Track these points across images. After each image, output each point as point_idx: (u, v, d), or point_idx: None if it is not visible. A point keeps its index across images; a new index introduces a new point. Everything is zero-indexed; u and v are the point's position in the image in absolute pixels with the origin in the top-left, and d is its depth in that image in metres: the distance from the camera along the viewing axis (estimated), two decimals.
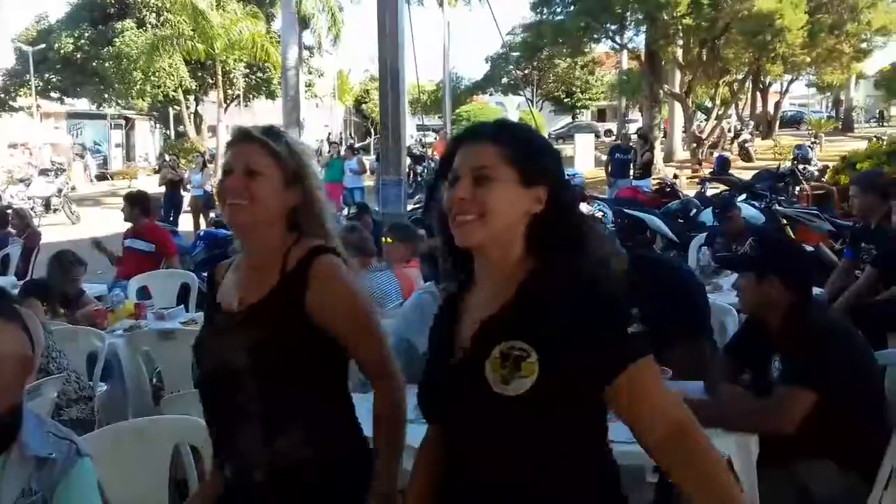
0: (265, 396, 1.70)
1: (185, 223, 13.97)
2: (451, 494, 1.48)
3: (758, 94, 32.78)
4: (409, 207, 10.48)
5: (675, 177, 11.04)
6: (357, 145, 23.97)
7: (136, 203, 6.46)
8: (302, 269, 1.71)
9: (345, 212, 9.71)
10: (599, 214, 10.49)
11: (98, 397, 3.81)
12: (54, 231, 15.99)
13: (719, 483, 1.30)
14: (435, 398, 1.48)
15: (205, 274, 6.91)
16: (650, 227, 8.12)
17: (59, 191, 19.18)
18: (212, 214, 13.60)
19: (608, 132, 13.85)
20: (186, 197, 14.57)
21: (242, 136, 1.78)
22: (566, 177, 1.50)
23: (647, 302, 2.90)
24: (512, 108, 31.39)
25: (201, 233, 7.73)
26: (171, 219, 13.19)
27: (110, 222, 13.57)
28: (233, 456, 1.78)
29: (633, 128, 23.13)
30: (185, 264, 7.11)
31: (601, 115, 43.79)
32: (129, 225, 6.46)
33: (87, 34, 26.97)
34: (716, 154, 18.15)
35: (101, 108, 31.45)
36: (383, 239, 4.69)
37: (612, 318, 1.32)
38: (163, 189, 14.45)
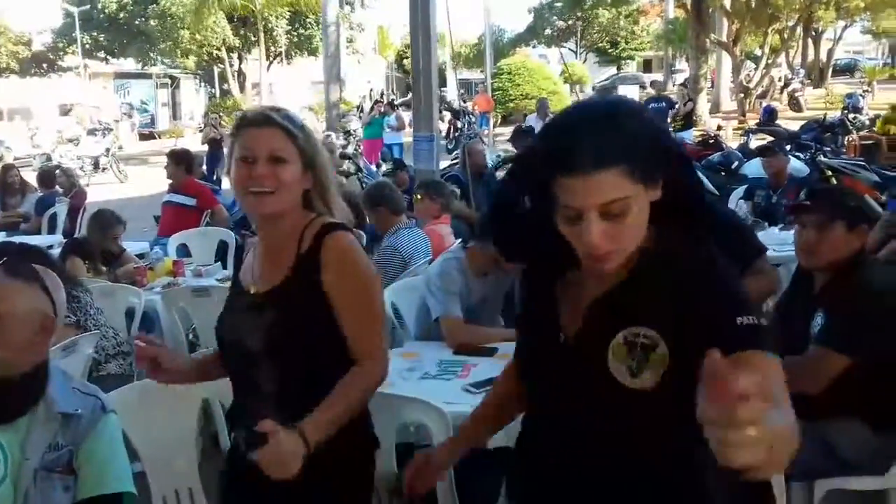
0: (280, 378, 1.71)
1: (227, 181, 14.16)
2: (538, 468, 1.41)
3: (809, 41, 31.65)
4: (447, 163, 10.46)
5: (719, 128, 10.75)
6: (398, 101, 23.88)
7: (180, 161, 6.55)
8: (316, 248, 1.72)
9: (382, 168, 9.69)
10: None
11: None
12: (103, 190, 16.33)
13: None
14: (540, 382, 1.40)
15: (244, 231, 7.08)
16: None
17: (107, 150, 19.50)
18: None
19: (654, 83, 13.56)
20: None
21: (263, 120, 1.73)
22: (678, 154, 1.29)
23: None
24: (555, 60, 30.85)
25: None
26: (214, 177, 13.33)
27: (157, 181, 13.80)
28: (246, 429, 1.74)
29: (679, 78, 22.60)
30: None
31: (647, 66, 42.75)
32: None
33: None
34: (764, 104, 17.66)
35: (146, 68, 31.78)
36: (414, 195, 4.68)
37: (730, 308, 1.18)
38: (206, 147, 14.60)
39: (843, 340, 2.29)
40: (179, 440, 2.35)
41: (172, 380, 1.92)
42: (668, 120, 12.25)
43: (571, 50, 37.50)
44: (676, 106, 12.67)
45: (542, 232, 1.29)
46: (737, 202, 5.96)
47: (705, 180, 7.92)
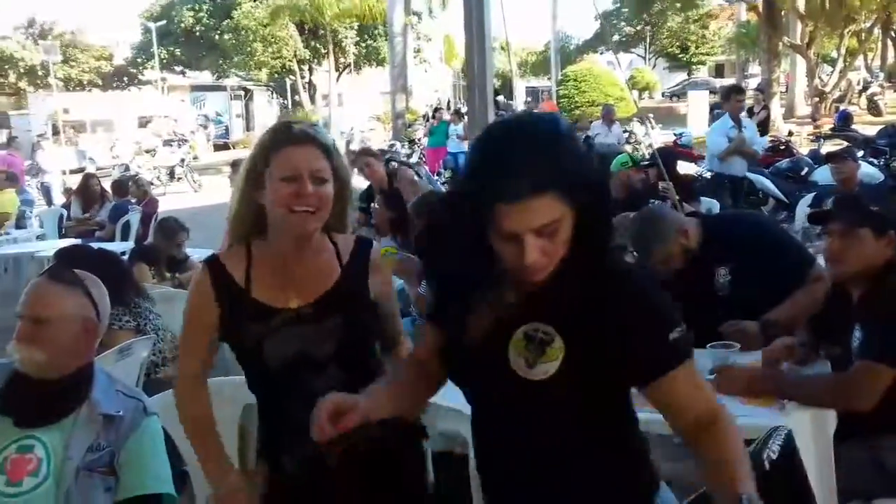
0: (346, 380, 1.71)
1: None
2: (486, 461, 1.49)
3: (889, 42, 30.46)
4: None
5: (791, 134, 10.40)
6: (464, 110, 23.95)
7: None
8: (360, 259, 1.83)
9: (442, 177, 9.73)
10: (708, 174, 10.10)
11: None
12: (177, 199, 16.86)
13: (734, 468, 1.26)
14: (460, 376, 1.49)
15: None
16: (757, 186, 7.74)
17: (182, 160, 20.14)
18: None
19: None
20: None
21: (304, 138, 1.73)
22: (600, 176, 1.40)
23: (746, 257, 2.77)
24: (623, 66, 30.48)
25: None
26: None
27: (229, 190, 14.18)
28: (300, 446, 1.67)
29: (753, 83, 22.02)
30: None
31: (719, 71, 41.85)
32: None
33: (206, 7, 28.02)
34: (841, 108, 17.06)
35: (221, 80, 32.73)
36: None
37: (660, 325, 1.30)
38: None
39: (884, 351, 2.20)
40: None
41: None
42: None
43: (640, 56, 37.00)
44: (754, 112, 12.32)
45: (470, 251, 1.35)
46: (804, 210, 5.76)
47: (773, 187, 7.69)
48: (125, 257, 6.11)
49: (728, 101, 7.43)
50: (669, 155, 6.07)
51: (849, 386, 2.23)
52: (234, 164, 6.89)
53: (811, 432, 2.21)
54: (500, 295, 1.38)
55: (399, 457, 1.79)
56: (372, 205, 5.47)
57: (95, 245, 7.18)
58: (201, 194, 18.77)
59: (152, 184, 17.53)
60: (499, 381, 1.35)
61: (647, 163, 5.65)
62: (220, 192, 16.81)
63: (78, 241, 7.87)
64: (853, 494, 2.30)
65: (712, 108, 12.34)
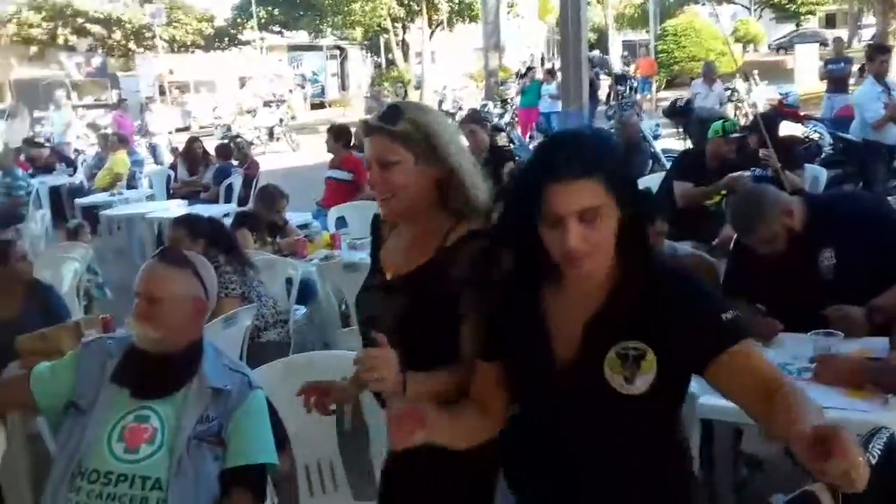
0: (406, 361, 1.73)
1: None
2: (548, 483, 1.53)
3: None
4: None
5: None
6: (558, 65, 23.50)
7: (339, 136, 6.95)
8: (456, 249, 1.72)
9: (534, 140, 9.65)
10: (815, 136, 9.64)
11: (297, 320, 4.19)
12: (276, 158, 17.33)
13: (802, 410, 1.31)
14: (542, 401, 1.52)
15: None
16: None
17: (281, 120, 20.63)
18: None
19: (837, 41, 12.46)
20: None
21: (367, 130, 1.76)
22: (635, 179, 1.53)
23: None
24: (726, 18, 29.19)
25: None
26: None
27: (324, 149, 14.47)
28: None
29: (866, 34, 20.74)
30: None
31: (830, 22, 39.46)
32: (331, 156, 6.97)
33: None
34: None
35: (317, 40, 33.13)
36: None
37: (713, 308, 1.40)
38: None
39: None
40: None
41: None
42: (851, 81, 11.28)
43: (744, 6, 35.28)
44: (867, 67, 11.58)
45: (527, 245, 1.46)
46: None
47: None
48: (229, 221, 6.40)
49: (872, 62, 7.09)
50: (772, 119, 5.82)
51: None
52: (331, 130, 7.02)
53: None
54: (566, 311, 1.47)
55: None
56: None
57: (206, 213, 7.54)
58: (299, 154, 19.23)
59: (252, 144, 18.08)
60: (590, 401, 1.42)
61: (738, 134, 5.43)
62: (316, 151, 17.16)
63: (185, 203, 8.28)
64: None
65: (826, 63, 11.59)
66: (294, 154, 19.33)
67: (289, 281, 4.26)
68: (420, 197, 1.71)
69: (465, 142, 1.78)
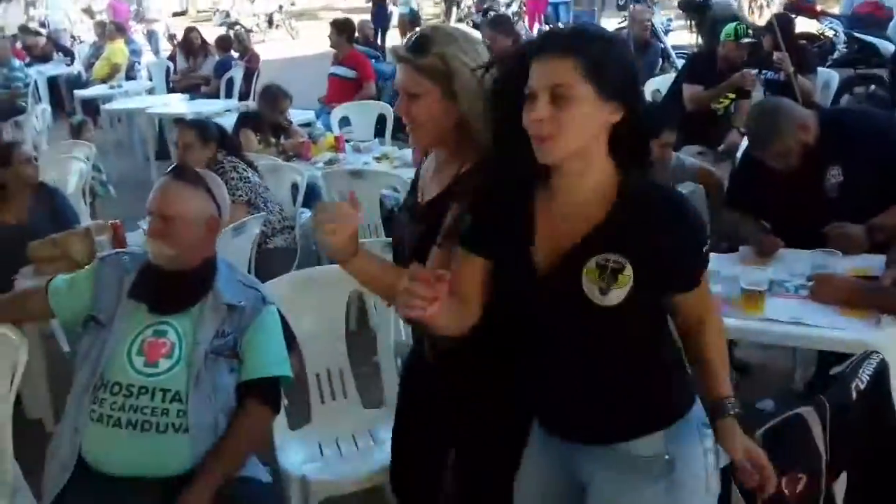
0: None
1: (394, 40, 14.26)
2: (533, 391, 1.60)
3: None
4: (616, 22, 9.96)
5: None
6: None
7: (342, 30, 6.81)
8: (463, 180, 1.68)
9: None
10: (830, 33, 9.40)
11: (302, 224, 4.23)
12: (275, 47, 16.94)
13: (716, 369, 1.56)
14: (522, 305, 1.53)
15: None
16: (883, 53, 7.20)
17: (280, 7, 20.06)
18: None
19: None
20: (395, 13, 14.70)
21: (395, 57, 1.71)
22: (641, 89, 1.50)
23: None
24: None
25: None
26: (381, 34, 13.42)
27: (323, 38, 14.10)
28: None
29: None
30: (387, 89, 7.37)
31: None
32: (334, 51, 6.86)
33: None
34: None
35: None
36: None
37: (700, 240, 1.46)
38: (370, 5, 14.66)
39: None
40: (329, 325, 2.57)
41: None
42: None
43: None
44: None
45: (518, 142, 1.44)
46: None
47: None
48: (233, 116, 6.36)
49: None
50: (787, 21, 5.67)
51: None
52: (334, 24, 6.85)
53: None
54: (557, 221, 1.47)
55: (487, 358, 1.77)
56: None
57: (208, 108, 7.45)
58: (298, 42, 18.80)
59: (251, 31, 17.65)
60: (570, 308, 1.44)
61: (750, 39, 5.30)
62: (316, 40, 16.75)
63: (186, 97, 8.18)
64: None
65: None
66: (294, 42, 18.89)
67: (294, 186, 4.27)
68: (444, 130, 1.70)
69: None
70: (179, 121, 3.81)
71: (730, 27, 5.23)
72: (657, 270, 1.40)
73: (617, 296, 1.39)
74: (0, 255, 3.32)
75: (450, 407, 1.82)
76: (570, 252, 1.44)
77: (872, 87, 6.71)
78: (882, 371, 1.74)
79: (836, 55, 8.72)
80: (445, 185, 1.71)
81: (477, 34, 1.73)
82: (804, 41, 9.37)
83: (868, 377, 1.71)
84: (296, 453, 2.40)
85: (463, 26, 1.77)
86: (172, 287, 2.12)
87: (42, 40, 11.85)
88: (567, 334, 1.49)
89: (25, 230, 3.46)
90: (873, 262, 2.59)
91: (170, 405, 2.00)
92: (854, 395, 1.66)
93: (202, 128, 3.69)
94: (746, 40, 5.21)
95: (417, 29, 1.70)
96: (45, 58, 11.20)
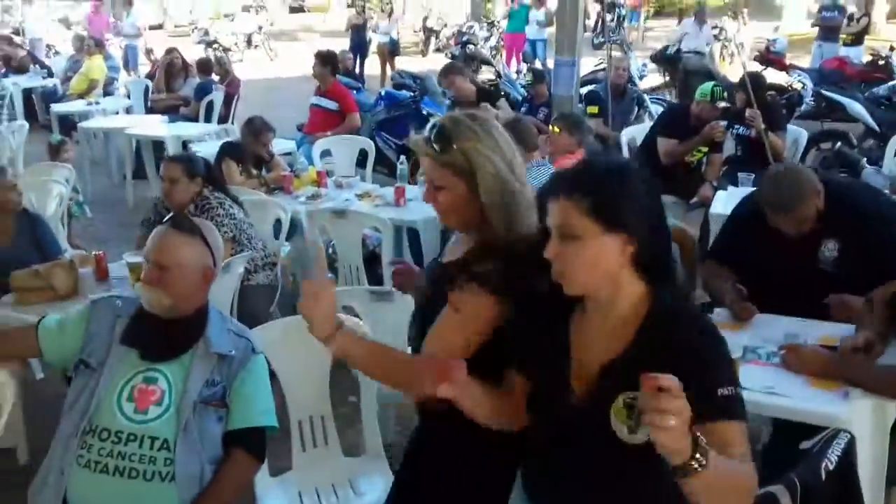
0: (417, 347, 1.83)
1: (372, 67, 14.35)
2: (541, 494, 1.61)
3: None
4: (593, 64, 10.16)
5: (892, 48, 9.79)
6: None
7: (326, 62, 6.87)
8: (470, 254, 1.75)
9: (522, 74, 9.57)
10: (798, 86, 9.70)
11: (284, 256, 4.26)
12: (254, 68, 16.95)
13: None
14: (554, 428, 1.56)
15: (384, 133, 7.28)
16: (850, 112, 7.46)
17: (260, 28, 20.09)
18: (397, 65, 13.85)
19: None
20: (374, 40, 14.81)
21: (421, 152, 1.76)
22: (655, 216, 1.47)
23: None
24: None
25: (382, 92, 7.97)
26: (359, 61, 13.51)
27: (304, 60, 14.11)
28: None
29: None
30: (366, 122, 7.45)
31: None
32: (316, 83, 6.92)
33: None
34: None
35: None
36: (550, 127, 4.68)
37: (710, 375, 1.39)
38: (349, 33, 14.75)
39: None
40: (314, 372, 2.60)
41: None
42: (841, 34, 11.30)
43: None
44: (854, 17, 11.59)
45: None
46: (894, 151, 5.56)
47: (867, 116, 7.39)
48: (214, 141, 6.38)
49: None
50: (759, 80, 5.87)
51: None
52: (319, 56, 6.91)
53: (871, 420, 2.29)
54: (590, 343, 1.51)
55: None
56: None
57: (188, 131, 7.45)
58: (277, 63, 18.84)
59: (229, 50, 17.66)
60: (594, 442, 1.42)
61: (725, 104, 5.49)
62: (295, 62, 16.83)
63: (165, 119, 8.16)
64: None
65: (820, 9, 11.55)
66: (272, 63, 18.93)
67: (278, 222, 4.31)
68: (469, 217, 1.75)
69: (516, 168, 1.73)
70: (170, 158, 3.82)
71: (706, 87, 5.40)
72: None
73: (645, 434, 1.33)
74: None
75: (438, 468, 1.85)
76: (598, 382, 1.46)
77: (839, 143, 6.91)
78: (850, 451, 1.81)
79: (803, 107, 9.00)
80: (458, 255, 1.77)
81: (489, 119, 1.77)
82: (773, 92, 9.71)
83: (837, 457, 1.77)
84: (276, 501, 2.42)
85: (474, 113, 1.83)
86: (164, 335, 2.14)
87: (21, 52, 11.74)
88: (588, 467, 1.49)
89: (7, 256, 3.45)
90: (844, 332, 2.63)
91: (157, 453, 2.03)
92: (823, 475, 1.72)
93: (189, 163, 3.72)
94: (721, 104, 5.39)
95: (434, 121, 1.75)
96: (21, 69, 11.09)
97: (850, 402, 2.28)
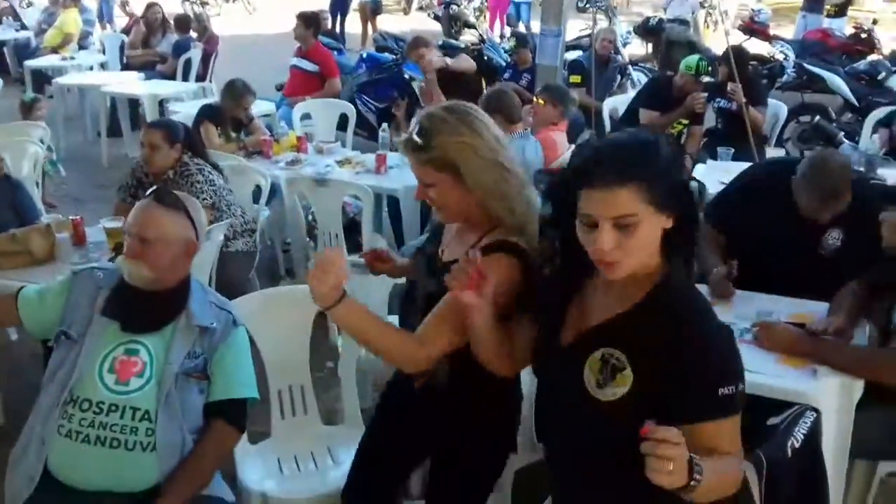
0: None
1: (353, 25, 14.14)
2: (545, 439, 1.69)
3: None
4: (578, 29, 10.08)
5: (875, 22, 9.82)
6: None
7: (309, 24, 6.79)
8: (487, 251, 1.75)
9: (506, 39, 9.47)
10: (780, 56, 9.71)
11: (263, 221, 4.26)
12: (231, 23, 16.66)
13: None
14: (539, 371, 1.64)
15: (364, 97, 7.23)
16: (830, 86, 7.50)
17: None
18: (379, 25, 13.67)
19: None
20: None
21: (402, 147, 1.83)
22: (692, 189, 1.46)
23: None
24: None
25: (364, 55, 7.89)
26: (340, 20, 13.32)
27: (281, 15, 13.86)
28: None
29: None
30: (347, 84, 7.38)
31: None
32: (296, 42, 6.84)
33: None
34: None
35: None
36: (535, 99, 4.68)
37: (711, 380, 1.37)
38: None
39: None
40: (294, 343, 2.63)
41: (389, 272, 2.25)
42: (826, 5, 11.28)
43: None
44: None
45: (566, 243, 1.50)
46: (874, 125, 5.60)
47: (846, 90, 7.42)
48: (192, 101, 6.31)
49: None
50: (741, 54, 5.87)
51: (888, 361, 2.36)
52: (301, 16, 6.82)
53: (837, 397, 2.36)
54: (591, 303, 1.53)
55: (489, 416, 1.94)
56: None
57: (166, 89, 7.34)
58: (255, 17, 18.51)
59: (207, 3, 17.30)
60: (569, 389, 1.48)
61: (709, 78, 5.50)
62: (274, 18, 16.54)
63: (141, 76, 8.03)
64: (867, 455, 2.50)
65: None
66: (251, 17, 18.60)
67: (258, 188, 4.29)
68: (463, 209, 1.81)
69: (502, 152, 1.76)
70: (150, 124, 3.78)
71: (691, 60, 5.40)
72: (654, 385, 1.38)
73: (612, 393, 1.40)
74: None
75: (430, 416, 1.94)
76: (585, 334, 1.49)
77: (818, 117, 6.96)
78: (815, 429, 1.86)
79: (784, 78, 9.03)
80: (464, 248, 1.79)
81: (468, 109, 1.79)
82: (755, 62, 9.73)
83: (803, 435, 1.83)
84: (255, 468, 2.46)
85: (452, 104, 1.83)
86: (146, 307, 2.15)
87: (3, 3, 11.46)
88: (565, 414, 1.54)
89: None
90: (815, 309, 2.72)
91: (139, 423, 2.05)
92: (789, 452, 1.78)
93: (169, 129, 3.68)
94: (706, 78, 5.40)
95: (415, 120, 1.78)
96: None
97: (818, 379, 2.36)
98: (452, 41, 8.88)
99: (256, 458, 2.51)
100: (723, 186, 3.65)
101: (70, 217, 3.45)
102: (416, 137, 1.74)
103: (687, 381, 1.36)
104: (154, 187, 2.30)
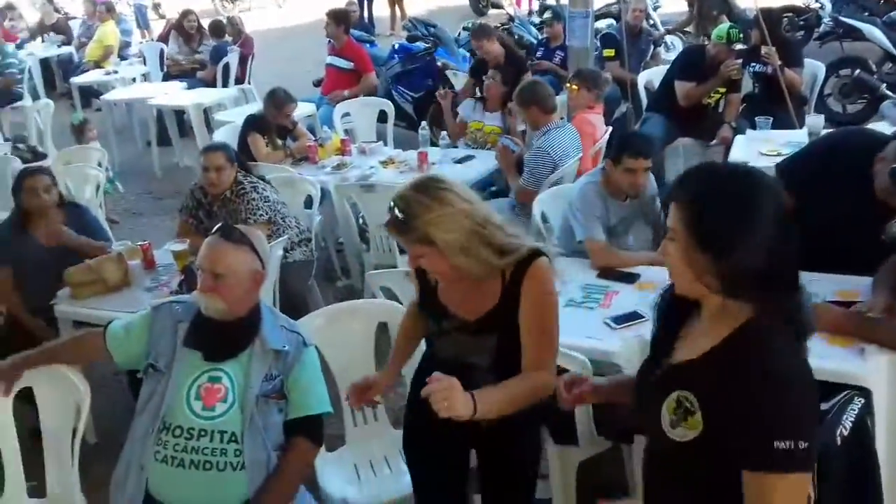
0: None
1: (380, 8, 14.17)
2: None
3: None
4: (602, 3, 10.00)
5: None
6: None
7: (340, 22, 6.91)
8: (518, 280, 1.97)
9: (535, 14, 9.46)
10: (816, 5, 9.54)
11: (315, 226, 4.43)
12: (262, 17, 16.85)
13: None
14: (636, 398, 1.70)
15: (400, 87, 7.32)
16: (868, 37, 7.36)
17: None
18: (406, 6, 13.70)
19: None
20: None
21: (389, 231, 2.02)
22: (764, 247, 1.41)
23: None
24: None
25: (396, 46, 7.97)
26: (368, 4, 13.38)
27: (311, 6, 13.93)
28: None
29: None
30: (381, 76, 7.49)
31: None
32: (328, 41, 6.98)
33: None
34: None
35: None
36: (567, 85, 4.73)
37: (765, 426, 1.36)
38: None
39: None
40: (360, 352, 2.78)
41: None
42: None
43: None
44: None
45: None
46: None
47: (886, 40, 7.28)
48: (234, 108, 6.49)
49: None
50: (773, 16, 5.80)
51: None
52: (331, 14, 6.93)
53: (887, 375, 2.38)
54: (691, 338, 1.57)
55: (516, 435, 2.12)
56: (484, 77, 5.49)
57: (210, 97, 7.49)
58: (286, 10, 18.69)
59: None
60: (649, 422, 1.55)
61: (741, 46, 5.46)
62: (303, 11, 16.68)
63: (184, 85, 8.25)
64: None
65: None
66: (281, 11, 18.79)
67: (309, 197, 4.44)
68: (453, 269, 1.96)
69: (474, 209, 1.94)
70: (210, 148, 3.94)
71: (722, 29, 5.38)
72: (720, 432, 1.40)
73: (682, 434, 1.43)
74: (39, 276, 3.51)
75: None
76: (668, 371, 1.54)
77: (858, 70, 6.86)
78: (864, 417, 1.90)
79: (821, 28, 8.86)
80: (496, 296, 2.00)
81: (434, 179, 1.98)
82: (790, 13, 9.54)
83: (851, 423, 1.85)
84: (334, 475, 2.63)
85: (421, 181, 2.00)
86: (224, 336, 2.32)
87: (56, 14, 11.85)
88: (650, 439, 1.62)
89: (60, 250, 3.63)
90: (860, 285, 2.72)
91: (227, 445, 2.23)
92: (838, 440, 1.83)
93: (227, 149, 3.88)
94: (738, 46, 5.37)
95: (392, 203, 1.95)
96: (59, 30, 11.24)
97: (866, 358, 2.37)
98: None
99: (334, 465, 2.68)
100: (764, 157, 3.64)
101: (138, 244, 3.65)
102: (398, 220, 1.92)
103: (743, 429, 1.37)
104: (220, 224, 2.45)
